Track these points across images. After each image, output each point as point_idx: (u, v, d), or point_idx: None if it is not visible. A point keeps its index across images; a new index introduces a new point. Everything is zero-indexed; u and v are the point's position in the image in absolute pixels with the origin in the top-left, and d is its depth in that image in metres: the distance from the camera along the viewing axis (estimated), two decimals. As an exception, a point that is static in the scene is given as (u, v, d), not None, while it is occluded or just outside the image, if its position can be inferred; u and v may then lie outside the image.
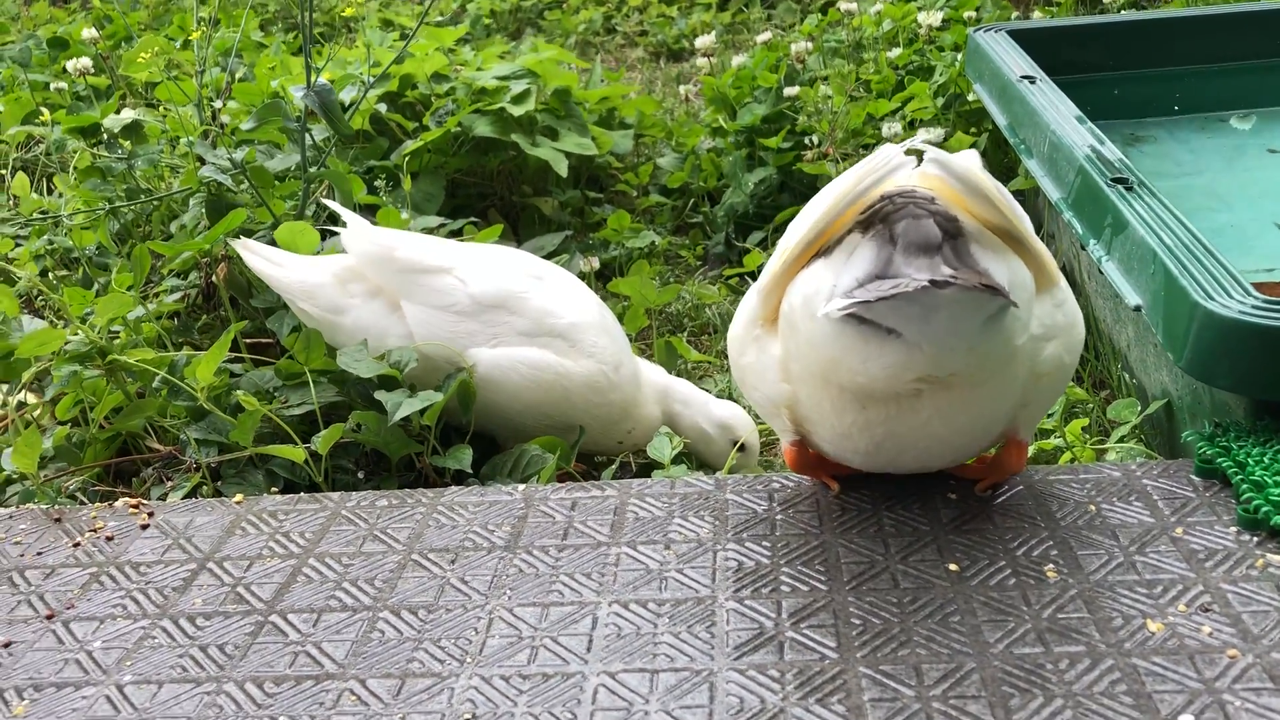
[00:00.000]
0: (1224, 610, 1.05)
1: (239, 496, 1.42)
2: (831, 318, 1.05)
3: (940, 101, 2.58)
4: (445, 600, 1.17)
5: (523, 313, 1.63)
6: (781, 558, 1.19)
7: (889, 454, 1.20)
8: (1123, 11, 3.09)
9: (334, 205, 1.77)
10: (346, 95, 2.56)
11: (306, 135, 1.98)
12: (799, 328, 1.14)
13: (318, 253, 1.79)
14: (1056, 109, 1.94)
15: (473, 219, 2.57)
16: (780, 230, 2.39)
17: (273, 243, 1.83)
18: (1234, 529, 1.17)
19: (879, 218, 1.08)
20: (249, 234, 1.97)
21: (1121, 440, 1.67)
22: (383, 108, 2.71)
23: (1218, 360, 1.28)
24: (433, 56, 2.84)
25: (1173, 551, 1.15)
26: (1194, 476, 1.27)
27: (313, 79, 1.80)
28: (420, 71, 2.84)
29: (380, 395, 1.53)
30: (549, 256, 2.59)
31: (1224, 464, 1.24)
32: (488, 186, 2.87)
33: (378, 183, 2.43)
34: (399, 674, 1.06)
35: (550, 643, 1.09)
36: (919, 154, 1.12)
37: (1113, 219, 1.56)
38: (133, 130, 2.52)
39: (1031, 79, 2.11)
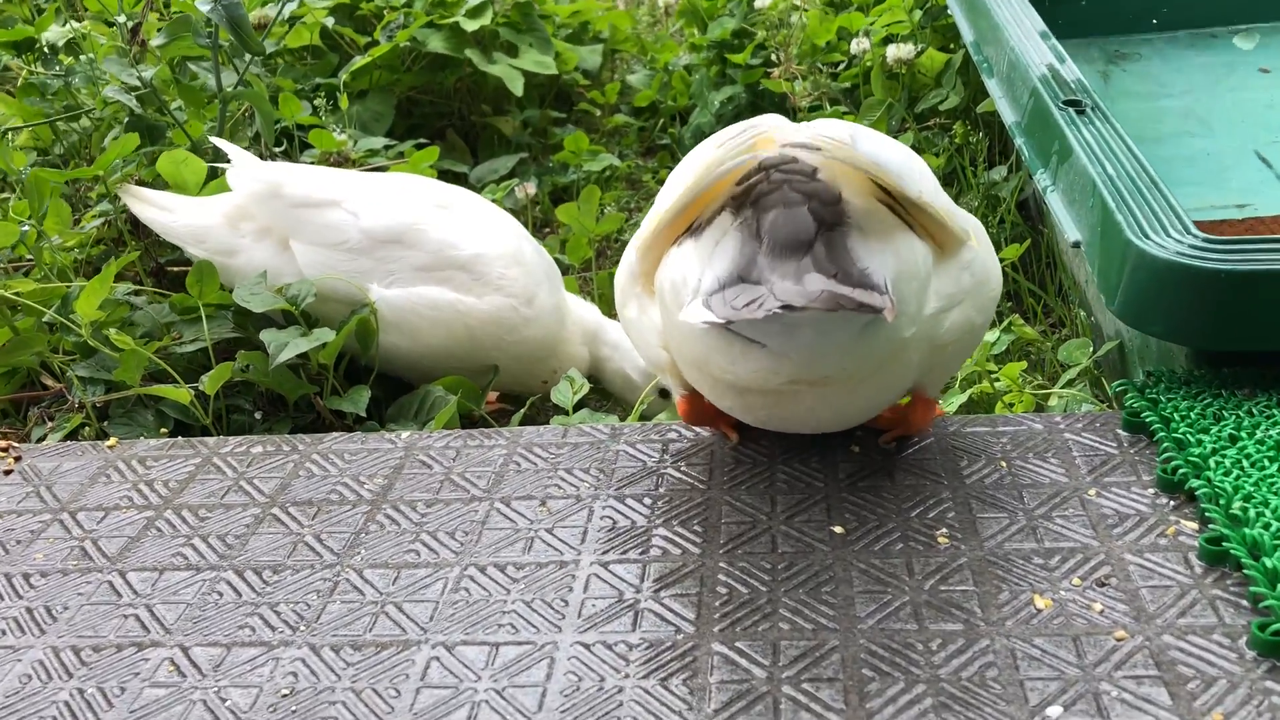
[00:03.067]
0: (1122, 584, 0.96)
1: (112, 440, 1.34)
2: (682, 317, 0.94)
3: (918, 16, 2.43)
4: (295, 560, 1.09)
5: (420, 246, 1.52)
6: (659, 516, 1.11)
7: (778, 425, 1.12)
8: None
9: (219, 141, 1.66)
10: (288, 9, 2.43)
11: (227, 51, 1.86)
12: (670, 312, 1.03)
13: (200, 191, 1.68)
14: (1020, 23, 1.79)
15: (423, 140, 2.46)
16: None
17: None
18: (1151, 491, 1.07)
19: (750, 199, 0.96)
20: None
21: (1070, 384, 1.57)
22: (330, 21, 2.58)
23: (1150, 305, 1.16)
24: (388, -33, 2.70)
25: (1081, 516, 1.05)
26: (1120, 431, 1.17)
27: (220, -9, 1.68)
28: (373, -18, 2.70)
29: (265, 335, 1.44)
30: (501, 180, 2.48)
31: (1149, 418, 1.14)
32: (445, 105, 2.75)
33: (317, 102, 2.31)
34: (226, 642, 0.99)
35: (393, 609, 1.01)
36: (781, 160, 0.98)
37: (1059, 145, 1.44)
38: (74, 46, 2.42)
39: (1001, -10, 1.96)
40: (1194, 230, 1.17)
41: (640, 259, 1.10)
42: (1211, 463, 1.04)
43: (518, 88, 2.55)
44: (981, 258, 1.08)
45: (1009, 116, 1.67)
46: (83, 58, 2.16)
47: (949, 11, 2.42)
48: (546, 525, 1.11)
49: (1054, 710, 0.83)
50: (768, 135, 0.99)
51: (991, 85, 1.79)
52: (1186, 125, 1.82)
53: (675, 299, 1.01)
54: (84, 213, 2.15)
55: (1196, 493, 1.02)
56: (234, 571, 1.08)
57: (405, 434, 1.30)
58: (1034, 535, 1.03)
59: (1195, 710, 0.82)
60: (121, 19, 1.86)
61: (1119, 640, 0.89)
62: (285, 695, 0.92)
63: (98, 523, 1.18)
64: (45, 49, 2.48)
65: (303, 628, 0.99)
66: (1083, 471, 1.12)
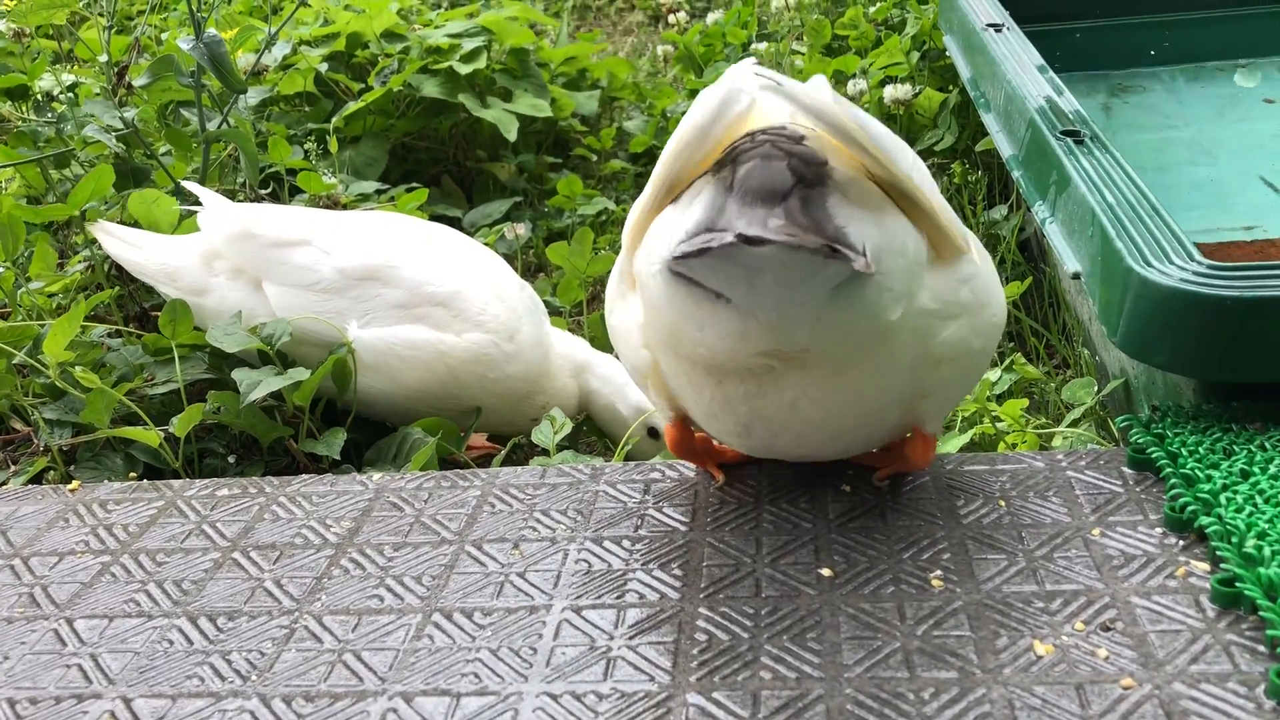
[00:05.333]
0: (1129, 629, 0.89)
1: (74, 484, 1.29)
2: (655, 272, 0.90)
3: (915, 57, 2.40)
4: (251, 606, 1.03)
5: (396, 283, 1.47)
6: (638, 560, 1.05)
7: (762, 438, 1.03)
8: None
9: (190, 184, 1.63)
10: (279, 51, 2.41)
11: (213, 93, 1.84)
12: (645, 286, 0.98)
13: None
14: (1018, 58, 1.76)
15: (414, 185, 2.43)
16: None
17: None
18: (1159, 531, 1.01)
19: (730, 159, 0.92)
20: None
21: (1074, 424, 1.51)
22: (324, 67, 2.57)
23: (1154, 335, 1.11)
24: (383, 14, 2.69)
25: (1084, 557, 0.99)
26: (1126, 469, 1.11)
27: (203, 30, 1.66)
28: (369, 29, 2.69)
29: (237, 374, 1.39)
30: (494, 224, 2.45)
31: (1155, 454, 1.08)
32: (440, 151, 2.73)
33: (308, 145, 2.29)
34: (172, 693, 0.92)
35: (350, 658, 0.95)
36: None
37: (1057, 175, 1.39)
38: (69, 96, 2.40)
39: (998, 27, 1.93)
40: (1198, 256, 1.12)
41: (626, 254, 1.05)
42: (1223, 499, 0.98)
43: (511, 133, 2.53)
44: (984, 278, 1.03)
45: (1006, 150, 1.63)
46: (77, 109, 2.15)
47: (947, 54, 2.40)
48: (518, 569, 1.05)
49: (1056, 765, 0.76)
50: (760, 76, 0.94)
51: (989, 120, 1.75)
52: (1190, 155, 1.78)
53: (646, 264, 0.96)
54: (70, 258, 2.12)
55: (1207, 530, 0.95)
56: (187, 619, 1.02)
57: (377, 476, 1.24)
58: (1034, 577, 0.97)
59: (1210, 765, 0.75)
60: (104, 58, 1.84)
61: (1126, 689, 0.83)
62: (229, 750, 0.85)
63: (50, 568, 1.13)
64: (39, 96, 2.47)
65: (254, 677, 0.93)
66: (1086, 510, 1.05)
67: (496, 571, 1.05)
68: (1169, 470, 1.04)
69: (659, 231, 0.96)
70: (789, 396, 0.96)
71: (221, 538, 1.15)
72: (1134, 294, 1.12)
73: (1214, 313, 1.06)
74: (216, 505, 1.22)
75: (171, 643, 0.99)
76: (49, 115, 2.32)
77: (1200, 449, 1.06)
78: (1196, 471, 1.02)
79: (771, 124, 0.93)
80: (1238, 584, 0.89)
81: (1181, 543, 0.99)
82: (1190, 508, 0.99)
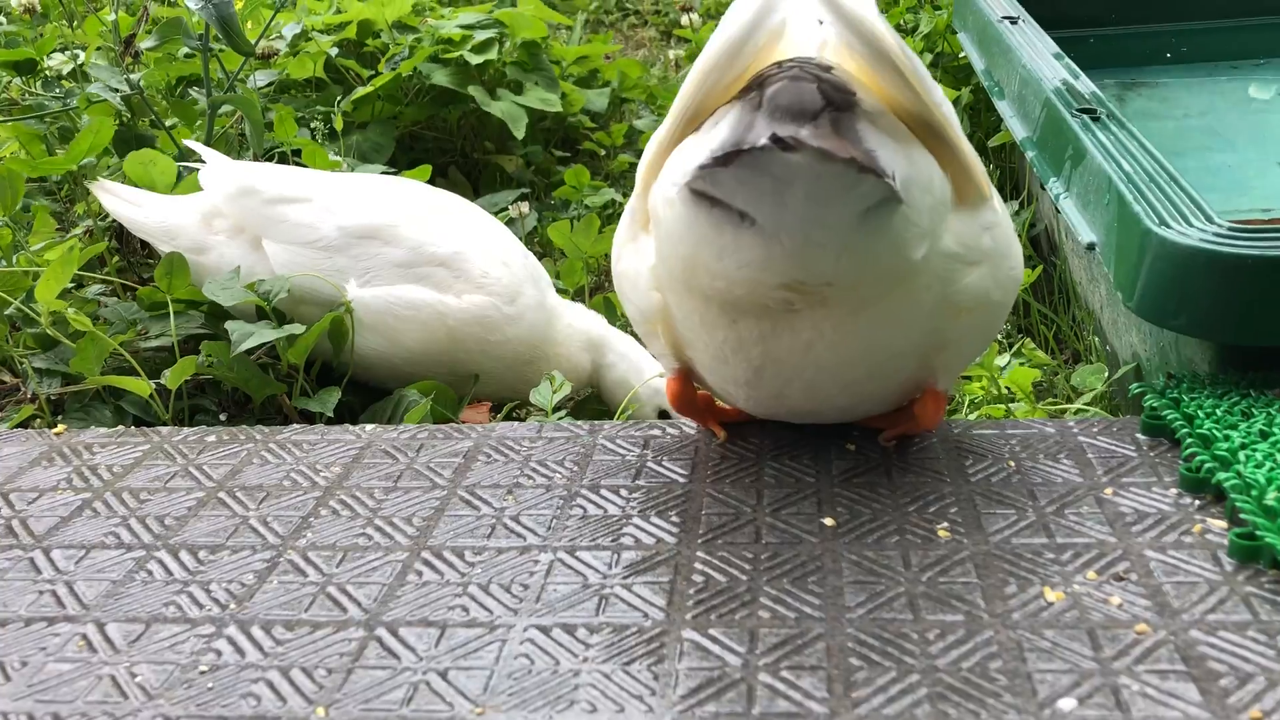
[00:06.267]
0: (1143, 580, 0.86)
1: (60, 428, 1.26)
2: (673, 197, 0.87)
3: (928, 58, 2.39)
4: (234, 541, 1.00)
5: (398, 242, 1.45)
6: (635, 507, 1.01)
7: (772, 386, 0.99)
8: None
9: (192, 143, 1.60)
10: (289, 32, 2.40)
11: (221, 61, 1.82)
12: (661, 218, 0.95)
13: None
14: (1033, 45, 1.74)
15: (417, 164, 2.40)
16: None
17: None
18: (1174, 491, 0.98)
19: (757, 84, 0.88)
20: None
21: (1085, 407, 1.48)
22: (334, 52, 2.56)
23: (1171, 296, 1.08)
24: (396, 2, 2.68)
25: (1096, 514, 0.95)
26: (1140, 435, 1.08)
27: (212, -8, 1.64)
28: (380, 17, 2.68)
29: (229, 325, 1.36)
30: (498, 212, 2.42)
31: (1170, 417, 1.04)
32: (448, 141, 2.71)
33: (314, 125, 2.27)
34: (146, 618, 0.89)
35: (335, 590, 0.91)
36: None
37: (1073, 150, 1.37)
38: (77, 74, 2.39)
39: (1014, 19, 1.92)
40: (1217, 219, 1.09)
41: (641, 195, 1.02)
42: (1242, 455, 0.94)
43: (520, 129, 2.50)
44: (1005, 228, 1.00)
45: (1020, 133, 1.61)
46: (84, 82, 2.13)
47: (961, 55, 2.38)
48: (511, 513, 1.02)
49: (1066, 703, 0.73)
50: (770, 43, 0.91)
51: (1002, 107, 1.73)
52: (1208, 141, 1.75)
53: (662, 193, 0.93)
54: (71, 229, 2.10)
55: (1225, 485, 0.92)
56: (167, 551, 0.99)
57: (370, 427, 1.21)
58: (1044, 531, 0.93)
59: (1229, 707, 0.72)
60: (112, 17, 1.82)
61: (1140, 634, 0.79)
62: (204, 672, 0.82)
63: (29, 503, 1.09)
64: (47, 73, 2.46)
65: (233, 605, 0.90)
66: (1098, 472, 1.02)
67: (489, 515, 1.02)
68: (1184, 431, 1.01)
69: (679, 160, 0.94)
70: (805, 338, 0.93)
71: (208, 479, 1.12)
72: (1152, 256, 1.09)
73: (1234, 273, 1.03)
74: (204, 450, 1.18)
75: (150, 573, 0.96)
76: (57, 90, 2.31)
77: (1218, 411, 1.03)
78: (1214, 432, 0.99)
79: (798, 55, 0.90)
80: (1258, 533, 0.85)
81: (1198, 502, 0.96)
82: (1208, 465, 0.95)
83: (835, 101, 0.85)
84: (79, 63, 2.11)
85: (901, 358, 0.99)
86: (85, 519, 1.06)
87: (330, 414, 1.40)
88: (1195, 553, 0.89)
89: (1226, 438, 0.98)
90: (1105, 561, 0.88)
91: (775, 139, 0.78)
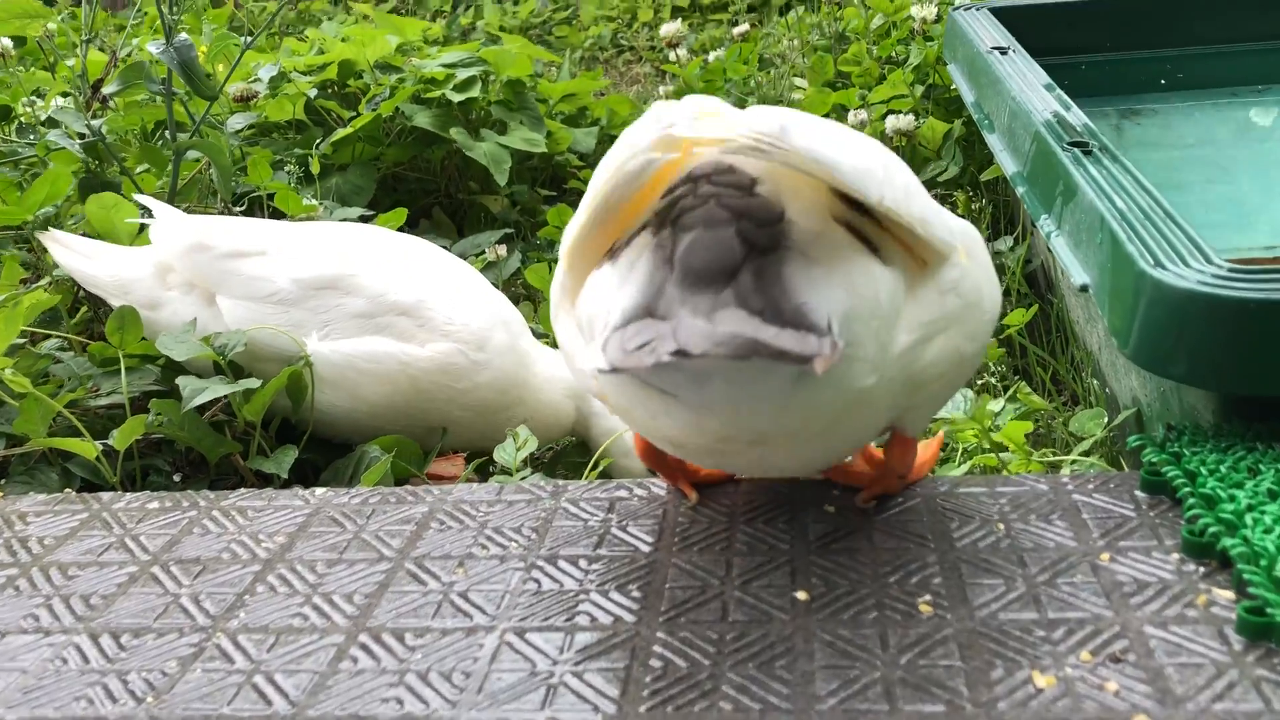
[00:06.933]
0: (1142, 660, 0.78)
1: (-3, 495, 1.19)
2: (592, 371, 0.80)
3: (919, 90, 2.33)
4: (161, 623, 0.93)
5: (357, 291, 1.38)
6: (594, 580, 0.94)
7: (729, 469, 0.98)
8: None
9: (141, 197, 1.54)
10: (265, 74, 2.35)
11: (187, 106, 1.77)
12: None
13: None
14: (1023, 76, 1.68)
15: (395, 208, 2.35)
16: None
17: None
18: (1176, 556, 0.90)
19: (672, 217, 0.80)
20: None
21: (1084, 455, 1.40)
22: (314, 94, 2.51)
23: (1169, 343, 1.01)
24: (377, 42, 2.64)
25: (1091, 583, 0.88)
26: (1139, 492, 1.00)
27: (174, 35, 1.59)
28: (362, 58, 2.64)
29: (181, 380, 1.29)
30: (479, 255, 2.36)
31: (1171, 474, 0.97)
32: (431, 182, 2.65)
33: (290, 168, 2.21)
34: (55, 716, 0.82)
35: (262, 680, 0.84)
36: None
37: (1064, 186, 1.30)
38: (54, 121, 2.34)
39: (1004, 50, 1.86)
40: (1216, 259, 1.02)
41: (567, 271, 0.95)
42: (1248, 519, 0.87)
43: (502, 173, 2.44)
44: (973, 275, 0.92)
45: (1010, 167, 1.54)
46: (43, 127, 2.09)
47: (951, 86, 2.32)
48: (460, 588, 0.94)
49: (1057, 813, 0.65)
50: (676, 135, 0.80)
51: (992, 140, 1.67)
52: (1208, 173, 1.68)
53: (589, 336, 0.87)
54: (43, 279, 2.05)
55: (1231, 554, 0.85)
56: (88, 636, 0.92)
57: (320, 491, 1.14)
58: (1035, 604, 0.86)
59: (1239, 816, 0.64)
60: (72, 63, 1.77)
61: (1140, 727, 0.71)
62: (107, 780, 0.75)
63: (-49, 581, 1.02)
64: (21, 119, 2.41)
65: (149, 699, 0.83)
66: (1094, 535, 0.94)
67: (436, 590, 0.94)
68: (1186, 490, 0.94)
69: (597, 295, 0.86)
70: (755, 455, 0.88)
71: (143, 551, 1.05)
72: (1147, 299, 1.02)
73: (1235, 317, 0.96)
74: (144, 518, 1.11)
75: (65, 661, 0.88)
76: (32, 137, 2.26)
77: (1221, 468, 0.95)
78: (1218, 491, 0.91)
79: (718, 164, 0.82)
80: (1268, 611, 0.77)
81: (1202, 569, 0.88)
82: (1211, 529, 0.88)
83: (758, 244, 0.77)
84: (35, 109, 2.06)
85: (864, 438, 0.94)
86: (6, 599, 0.99)
87: (285, 475, 1.32)
88: (1200, 629, 0.81)
89: (1232, 498, 0.90)
90: (1101, 640, 0.81)
91: (680, 354, 0.70)
